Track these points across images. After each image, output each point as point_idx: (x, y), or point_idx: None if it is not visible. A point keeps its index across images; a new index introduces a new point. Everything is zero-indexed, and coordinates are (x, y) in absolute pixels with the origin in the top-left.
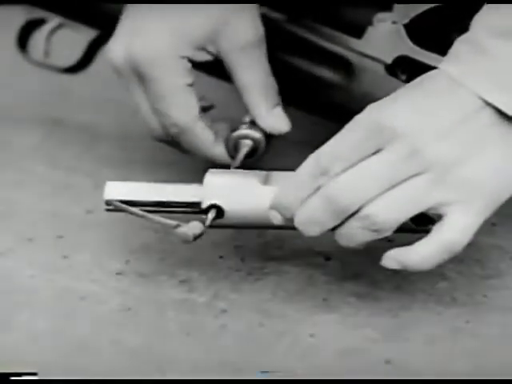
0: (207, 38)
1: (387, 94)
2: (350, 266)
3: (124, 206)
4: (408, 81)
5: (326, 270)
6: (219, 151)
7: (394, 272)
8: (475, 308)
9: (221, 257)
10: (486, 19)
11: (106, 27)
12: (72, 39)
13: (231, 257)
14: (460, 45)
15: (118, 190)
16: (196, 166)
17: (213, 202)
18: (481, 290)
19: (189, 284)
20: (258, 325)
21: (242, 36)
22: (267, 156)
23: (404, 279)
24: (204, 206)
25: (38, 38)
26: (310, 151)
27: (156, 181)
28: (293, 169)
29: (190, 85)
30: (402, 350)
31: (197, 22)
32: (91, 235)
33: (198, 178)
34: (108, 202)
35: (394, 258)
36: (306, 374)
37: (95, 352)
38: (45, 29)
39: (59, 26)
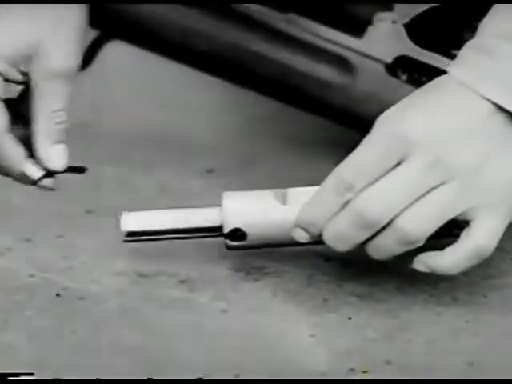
0: (21, 56)
1: (387, 93)
2: (350, 267)
3: (144, 236)
4: (408, 81)
5: (327, 270)
6: (30, 167)
7: (395, 272)
8: (475, 308)
9: (221, 257)
10: (492, 23)
11: (106, 27)
12: None
13: (231, 257)
14: (468, 50)
15: (135, 220)
16: (196, 167)
17: (234, 225)
18: (481, 290)
19: (189, 284)
20: (258, 325)
21: (50, 65)
22: (269, 156)
23: (404, 280)
24: (226, 230)
25: None
26: (311, 151)
27: (156, 181)
28: (302, 179)
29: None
30: (403, 351)
31: (14, 37)
32: (91, 235)
33: (198, 179)
34: (130, 234)
35: (423, 262)
36: (307, 374)
37: (95, 352)
38: None
39: None
